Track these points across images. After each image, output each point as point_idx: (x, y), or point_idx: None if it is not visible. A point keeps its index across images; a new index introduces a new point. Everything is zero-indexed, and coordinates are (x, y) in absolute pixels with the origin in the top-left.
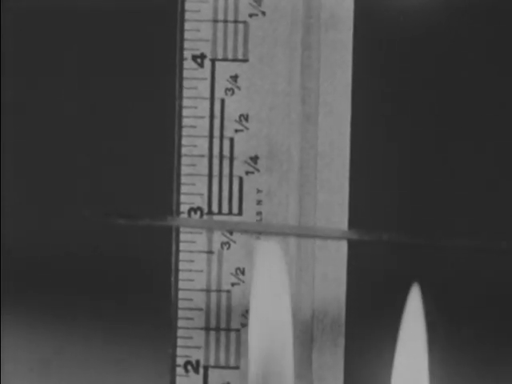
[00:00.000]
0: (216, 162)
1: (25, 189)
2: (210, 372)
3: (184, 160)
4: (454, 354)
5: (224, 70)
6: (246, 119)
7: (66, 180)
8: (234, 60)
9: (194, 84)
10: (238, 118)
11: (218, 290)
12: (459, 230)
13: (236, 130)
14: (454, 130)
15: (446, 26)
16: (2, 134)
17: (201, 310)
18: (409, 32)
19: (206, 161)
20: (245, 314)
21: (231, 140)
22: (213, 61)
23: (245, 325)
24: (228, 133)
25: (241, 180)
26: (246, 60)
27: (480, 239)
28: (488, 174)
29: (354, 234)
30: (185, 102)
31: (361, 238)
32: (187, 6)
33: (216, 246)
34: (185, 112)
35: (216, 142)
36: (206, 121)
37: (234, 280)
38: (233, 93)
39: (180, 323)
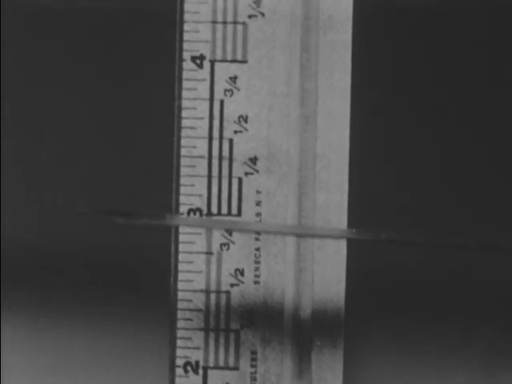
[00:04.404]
0: (215, 163)
1: (23, 187)
2: (210, 373)
3: (183, 161)
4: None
5: (223, 71)
6: (245, 120)
7: (65, 179)
8: (233, 61)
9: (193, 85)
10: (237, 119)
11: (218, 291)
12: (458, 229)
13: (235, 131)
14: (454, 130)
15: (446, 26)
16: (2, 132)
17: (200, 310)
18: (408, 32)
19: (205, 162)
20: (244, 314)
21: (230, 141)
22: (212, 62)
23: (244, 326)
24: (227, 134)
25: (240, 181)
26: (245, 61)
27: (480, 238)
28: (488, 173)
29: (352, 233)
30: (184, 103)
31: (359, 238)
32: (186, 7)
33: (215, 247)
34: (184, 113)
35: (215, 143)
36: (206, 122)
37: (233, 281)
38: (232, 94)
39: (179, 324)
